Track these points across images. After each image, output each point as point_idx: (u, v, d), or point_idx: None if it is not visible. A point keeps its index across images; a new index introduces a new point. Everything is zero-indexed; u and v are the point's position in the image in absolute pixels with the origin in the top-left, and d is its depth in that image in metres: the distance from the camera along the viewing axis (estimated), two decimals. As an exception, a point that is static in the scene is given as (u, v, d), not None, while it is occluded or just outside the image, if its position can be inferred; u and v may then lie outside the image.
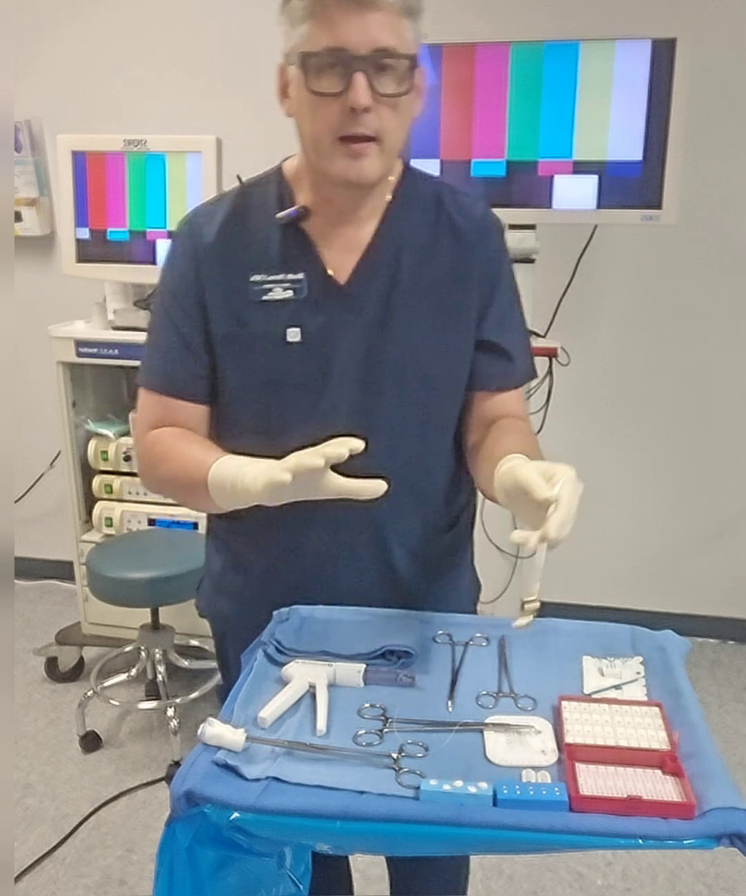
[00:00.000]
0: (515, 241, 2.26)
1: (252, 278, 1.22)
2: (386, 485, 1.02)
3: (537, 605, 1.00)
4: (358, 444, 1.00)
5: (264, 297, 1.22)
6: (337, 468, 1.03)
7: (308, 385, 1.22)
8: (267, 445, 1.11)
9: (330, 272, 1.23)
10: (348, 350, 1.22)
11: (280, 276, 1.21)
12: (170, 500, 2.68)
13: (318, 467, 0.99)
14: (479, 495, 1.36)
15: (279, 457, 1.04)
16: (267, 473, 1.02)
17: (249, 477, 1.06)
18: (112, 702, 2.62)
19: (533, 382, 2.41)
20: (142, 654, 2.66)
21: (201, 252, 1.23)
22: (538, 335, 2.40)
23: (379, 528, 1.27)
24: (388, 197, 1.25)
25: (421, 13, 1.14)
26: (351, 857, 1.64)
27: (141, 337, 2.84)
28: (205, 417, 1.29)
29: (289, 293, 1.21)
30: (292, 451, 1.02)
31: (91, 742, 2.56)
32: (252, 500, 1.07)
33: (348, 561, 1.28)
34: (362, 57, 1.07)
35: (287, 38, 1.12)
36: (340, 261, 1.23)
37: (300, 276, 1.21)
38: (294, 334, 1.21)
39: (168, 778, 2.40)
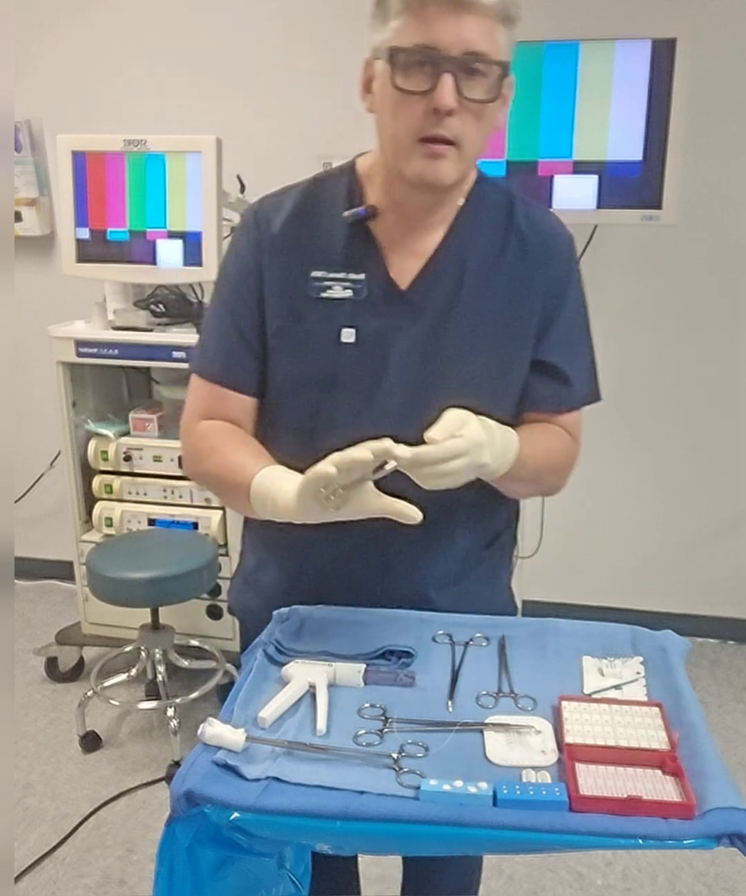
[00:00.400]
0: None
1: (313, 274, 1.19)
2: (421, 515, 1.02)
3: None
4: (406, 453, 0.99)
5: (323, 294, 1.19)
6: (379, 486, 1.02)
7: (357, 388, 1.20)
8: (309, 446, 1.10)
9: (392, 276, 1.20)
10: (401, 356, 1.20)
11: (341, 275, 1.19)
12: (170, 500, 2.72)
13: (366, 460, 0.98)
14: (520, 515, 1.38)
15: (320, 458, 1.02)
16: (312, 470, 1.00)
17: (288, 488, 1.06)
18: (112, 702, 2.62)
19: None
20: (142, 654, 2.66)
21: (265, 242, 1.21)
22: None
23: (417, 540, 1.22)
24: (460, 203, 1.22)
25: (518, 21, 1.09)
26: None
27: (141, 337, 2.85)
28: (253, 410, 1.27)
29: (349, 293, 1.19)
30: (333, 452, 1.01)
31: (91, 742, 2.56)
32: (289, 512, 1.06)
33: (385, 576, 1.26)
34: (452, 58, 1.04)
35: (377, 33, 1.09)
36: (404, 265, 1.21)
37: (361, 276, 1.19)
38: (348, 335, 1.19)
39: (168, 778, 2.40)
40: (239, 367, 1.24)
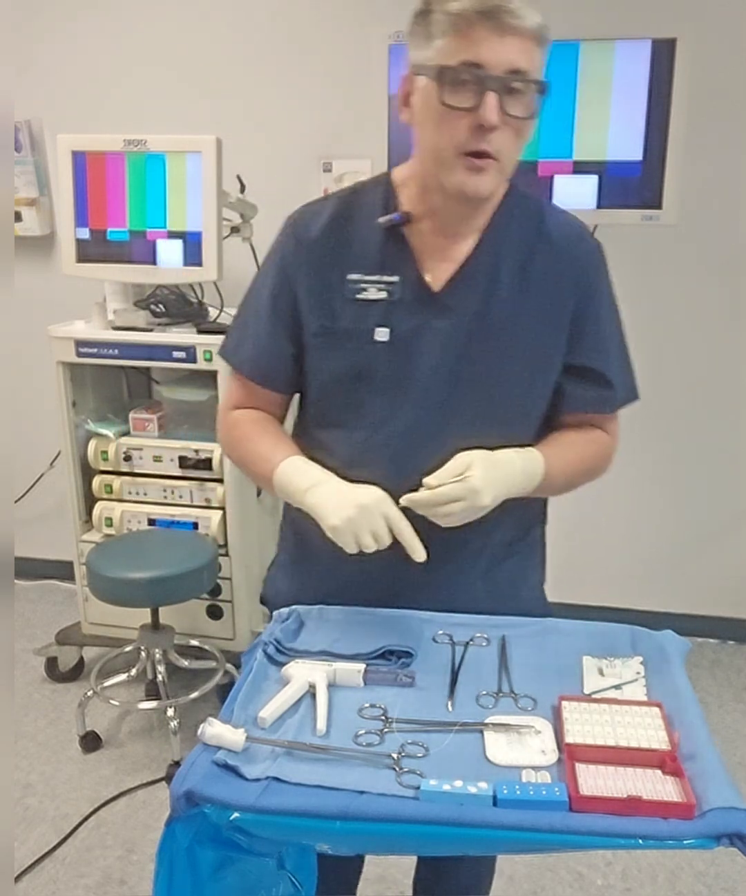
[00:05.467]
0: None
1: (349, 276, 1.24)
2: (425, 555, 1.14)
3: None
4: (403, 503, 1.13)
5: (358, 296, 1.24)
6: (391, 477, 1.17)
7: (390, 385, 1.25)
8: (346, 439, 1.23)
9: (426, 279, 1.24)
10: (433, 355, 1.24)
11: (376, 277, 1.24)
12: (170, 500, 2.72)
13: (377, 547, 1.12)
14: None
15: (356, 452, 1.24)
16: (330, 525, 1.14)
17: (331, 507, 1.15)
18: (112, 702, 2.62)
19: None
20: (142, 654, 2.66)
21: (304, 247, 1.26)
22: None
23: (455, 536, 1.23)
24: (491, 212, 1.26)
25: (550, 43, 1.16)
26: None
27: (141, 337, 2.85)
28: (283, 403, 1.37)
29: (383, 294, 1.24)
30: (370, 447, 1.23)
31: (91, 742, 2.56)
32: (319, 518, 1.16)
33: (416, 568, 1.25)
34: (497, 77, 1.10)
35: (419, 50, 1.14)
36: (438, 269, 1.25)
37: (395, 278, 1.23)
38: (382, 334, 1.24)
39: (168, 778, 2.40)
40: (271, 366, 1.31)
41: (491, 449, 1.18)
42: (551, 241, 1.26)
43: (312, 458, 1.23)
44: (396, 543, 1.14)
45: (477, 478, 1.11)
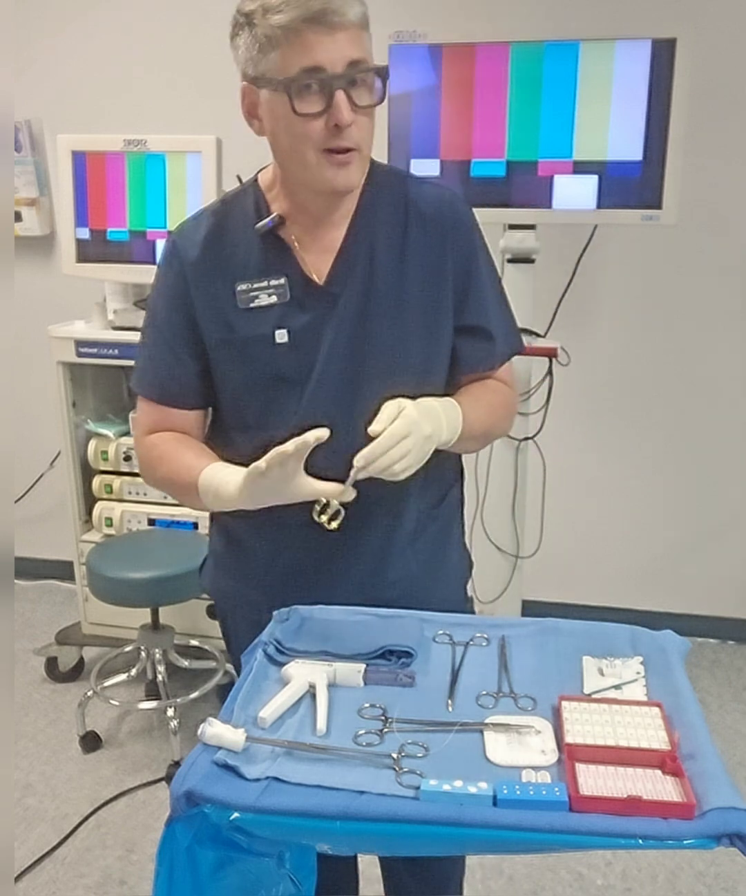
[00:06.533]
0: (515, 241, 2.26)
1: (237, 287, 1.28)
2: (354, 492, 1.14)
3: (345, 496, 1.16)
4: (323, 433, 1.09)
5: (251, 305, 1.27)
6: (327, 466, 1.14)
7: (297, 381, 1.28)
8: (265, 441, 1.17)
9: (309, 274, 1.28)
10: (333, 346, 1.27)
11: (263, 283, 1.27)
12: (170, 500, 2.72)
13: (288, 452, 1.08)
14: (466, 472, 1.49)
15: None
16: (247, 468, 1.12)
17: (230, 479, 1.17)
18: (112, 702, 2.62)
19: (533, 382, 2.42)
20: (142, 654, 2.66)
21: (187, 269, 1.29)
22: (538, 335, 2.39)
23: (375, 509, 1.30)
24: (358, 195, 1.29)
25: (368, 21, 1.18)
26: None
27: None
28: (198, 420, 1.37)
29: (274, 299, 1.28)
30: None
31: (91, 742, 2.56)
32: (234, 501, 1.17)
33: (346, 543, 1.31)
34: (340, 75, 1.12)
35: (253, 64, 1.16)
36: (318, 263, 1.29)
37: (282, 280, 1.27)
38: (281, 335, 1.27)
39: (168, 778, 2.40)
40: (176, 385, 1.33)
41: None
42: (420, 212, 1.30)
43: (231, 463, 1.24)
44: (316, 528, 1.19)
45: (412, 411, 1.15)
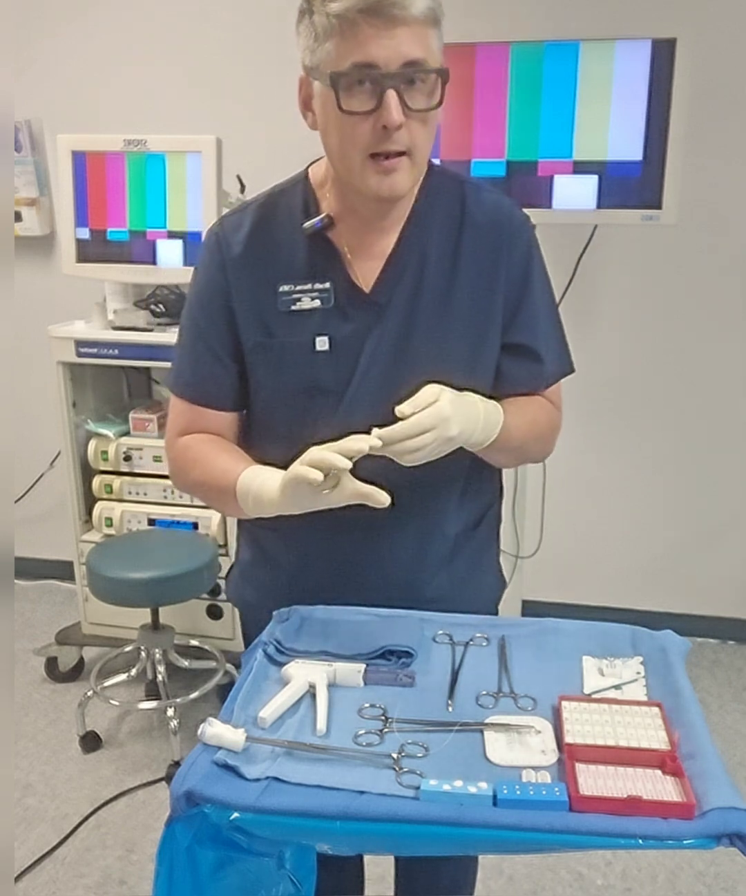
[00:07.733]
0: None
1: (280, 289, 1.22)
2: (389, 497, 1.06)
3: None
4: (376, 443, 1.04)
5: (293, 308, 1.22)
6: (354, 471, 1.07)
7: (334, 391, 1.23)
8: (296, 450, 1.11)
9: (355, 280, 1.22)
10: (374, 356, 1.22)
11: (307, 286, 1.21)
12: (170, 500, 2.72)
13: (345, 468, 1.03)
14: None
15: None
16: (292, 470, 1.06)
17: (270, 483, 1.11)
18: (112, 702, 2.62)
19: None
20: (142, 654, 2.66)
21: (229, 264, 1.24)
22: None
23: (411, 525, 1.26)
24: (412, 201, 1.23)
25: (443, 19, 1.10)
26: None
27: (141, 337, 2.85)
28: (233, 423, 1.31)
29: (317, 303, 1.21)
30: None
31: (91, 742, 2.56)
32: (274, 505, 1.11)
33: (378, 557, 1.28)
34: (392, 74, 1.05)
35: (310, 53, 1.10)
36: (365, 269, 1.23)
37: (327, 285, 1.21)
38: (322, 343, 1.22)
39: (168, 778, 2.40)
40: (214, 386, 1.28)
41: None
42: (476, 222, 1.23)
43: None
44: (362, 540, 1.16)
45: (446, 405, 1.07)
